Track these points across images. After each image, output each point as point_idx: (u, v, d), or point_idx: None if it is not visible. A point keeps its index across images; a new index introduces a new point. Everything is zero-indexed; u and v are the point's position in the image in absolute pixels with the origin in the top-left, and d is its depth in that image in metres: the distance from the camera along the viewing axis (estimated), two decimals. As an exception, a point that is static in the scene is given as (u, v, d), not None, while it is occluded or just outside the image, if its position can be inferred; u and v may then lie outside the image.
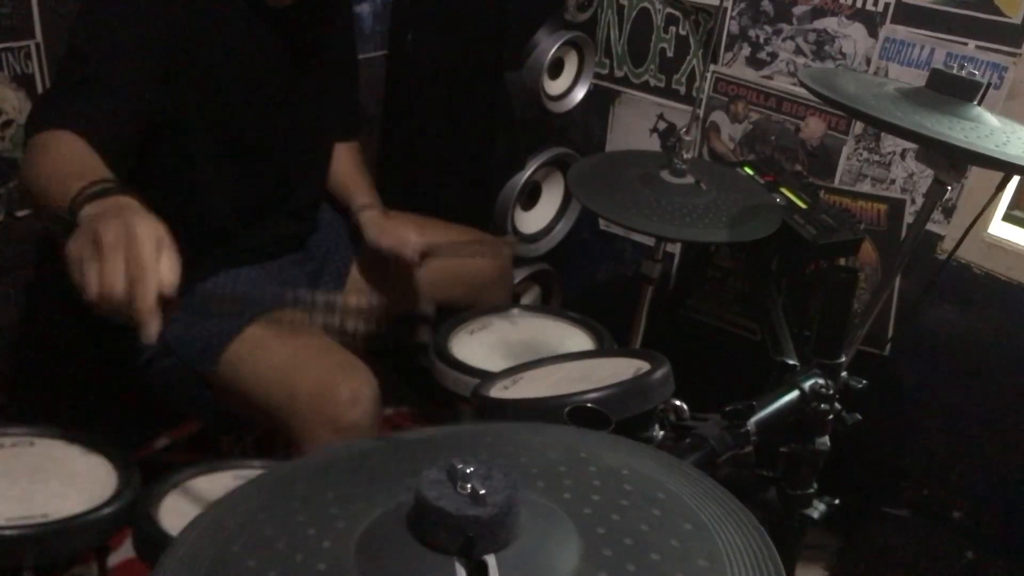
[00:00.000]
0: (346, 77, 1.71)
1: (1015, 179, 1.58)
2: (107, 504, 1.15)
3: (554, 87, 2.02)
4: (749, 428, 1.05)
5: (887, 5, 1.81)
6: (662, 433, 1.04)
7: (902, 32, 1.81)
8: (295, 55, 1.47)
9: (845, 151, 1.94)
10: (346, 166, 1.73)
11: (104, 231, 0.89)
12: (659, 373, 1.02)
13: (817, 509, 1.27)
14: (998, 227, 1.85)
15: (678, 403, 1.06)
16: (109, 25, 1.25)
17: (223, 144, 1.43)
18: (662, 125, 2.19)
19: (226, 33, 1.37)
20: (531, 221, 2.15)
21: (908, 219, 1.91)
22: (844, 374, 1.29)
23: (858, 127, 1.92)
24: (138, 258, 0.88)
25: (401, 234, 1.62)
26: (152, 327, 0.87)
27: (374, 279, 1.71)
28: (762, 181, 1.76)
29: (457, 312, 1.68)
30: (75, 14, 1.29)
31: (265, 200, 1.55)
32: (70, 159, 1.10)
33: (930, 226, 1.80)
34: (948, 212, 1.84)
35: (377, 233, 1.63)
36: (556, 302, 2.28)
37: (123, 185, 1.01)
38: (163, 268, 0.90)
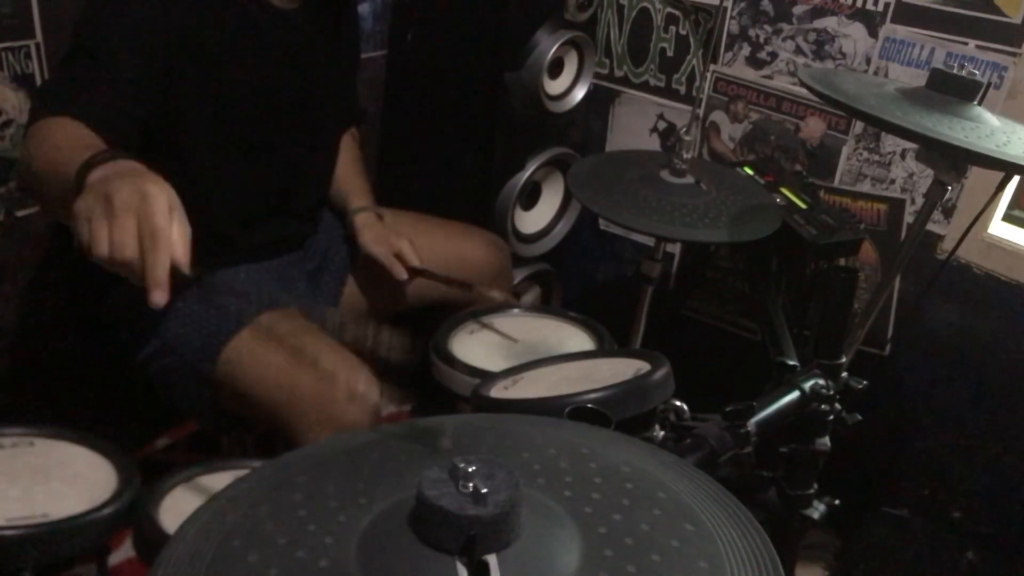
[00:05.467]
0: (348, 69, 1.71)
1: (1015, 179, 1.58)
2: (107, 504, 1.15)
3: (554, 87, 2.02)
4: (749, 428, 1.05)
5: (887, 5, 1.80)
6: (662, 433, 1.04)
7: (902, 32, 1.81)
8: (301, 56, 1.47)
9: (845, 151, 1.94)
10: (343, 165, 1.73)
11: (116, 190, 0.87)
12: (659, 373, 1.02)
13: (817, 509, 1.26)
14: (998, 227, 1.85)
15: (678, 403, 1.06)
16: (113, 21, 1.25)
17: (226, 144, 1.43)
18: (662, 125, 2.19)
19: (232, 34, 1.37)
20: (531, 221, 2.15)
21: (908, 219, 1.91)
22: (844, 374, 1.29)
23: (858, 127, 1.91)
24: (151, 220, 0.85)
25: (393, 243, 1.62)
26: (162, 295, 0.85)
27: (369, 281, 1.72)
28: (762, 181, 1.76)
29: (457, 312, 1.68)
30: (80, 10, 1.29)
31: (267, 200, 1.55)
32: (76, 137, 1.11)
33: (930, 226, 1.80)
34: (948, 212, 1.84)
35: (371, 238, 1.63)
36: (556, 302, 2.28)
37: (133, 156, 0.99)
38: (175, 235, 0.87)
